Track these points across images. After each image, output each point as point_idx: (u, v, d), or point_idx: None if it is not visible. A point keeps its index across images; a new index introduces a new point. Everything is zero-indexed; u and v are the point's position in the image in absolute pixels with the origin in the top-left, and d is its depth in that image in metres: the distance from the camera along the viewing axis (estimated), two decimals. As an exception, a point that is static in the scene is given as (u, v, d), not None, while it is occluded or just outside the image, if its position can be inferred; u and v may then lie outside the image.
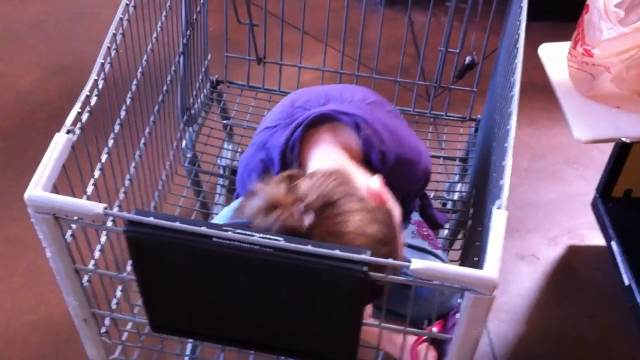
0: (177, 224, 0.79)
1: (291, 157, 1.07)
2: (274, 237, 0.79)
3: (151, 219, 0.79)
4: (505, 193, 0.87)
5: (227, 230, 0.79)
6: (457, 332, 0.86)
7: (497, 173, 1.02)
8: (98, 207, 0.79)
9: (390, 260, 0.80)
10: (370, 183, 0.94)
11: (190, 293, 0.88)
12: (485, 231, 1.07)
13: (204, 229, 0.79)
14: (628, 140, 1.31)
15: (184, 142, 1.52)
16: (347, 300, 0.83)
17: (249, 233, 0.79)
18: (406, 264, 0.78)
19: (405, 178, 1.11)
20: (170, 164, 1.41)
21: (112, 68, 0.97)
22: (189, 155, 1.52)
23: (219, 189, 1.66)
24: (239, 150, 1.70)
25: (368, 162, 1.07)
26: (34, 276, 1.72)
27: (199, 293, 0.87)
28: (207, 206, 1.57)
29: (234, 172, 1.68)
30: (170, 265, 0.85)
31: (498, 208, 0.86)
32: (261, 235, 0.79)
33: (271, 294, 0.85)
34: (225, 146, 1.72)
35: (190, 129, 1.54)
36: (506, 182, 0.88)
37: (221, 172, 1.68)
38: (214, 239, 0.79)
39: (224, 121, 1.71)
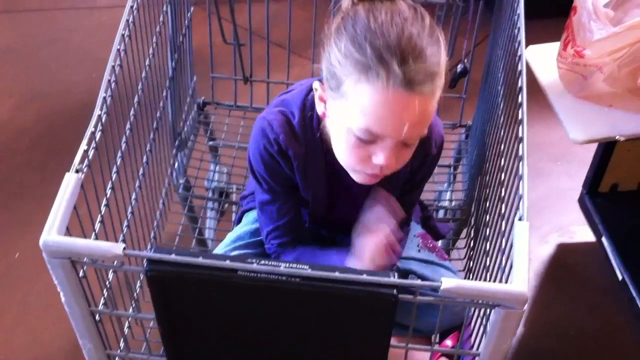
0: (200, 260, 0.77)
1: (311, 108, 1.07)
2: (300, 267, 0.77)
3: (173, 257, 0.77)
4: (525, 204, 0.86)
5: (252, 262, 0.78)
6: (486, 347, 0.86)
7: (504, 184, 1.02)
8: (117, 248, 0.77)
9: (418, 282, 0.79)
10: None
11: (215, 327, 0.86)
12: (489, 241, 1.07)
13: (228, 263, 0.77)
14: (623, 138, 1.33)
15: (175, 168, 1.50)
16: (377, 324, 0.82)
17: (275, 264, 0.78)
18: (436, 284, 0.77)
19: (426, 136, 1.07)
20: (166, 191, 1.38)
21: (112, 100, 0.95)
22: (181, 181, 1.50)
23: (209, 213, 1.64)
24: (227, 171, 1.68)
25: None
26: (26, 313, 1.68)
27: (224, 326, 0.85)
28: (203, 232, 1.54)
29: (221, 194, 1.67)
30: (193, 301, 0.83)
31: (519, 219, 0.85)
32: (287, 265, 0.78)
33: (299, 323, 0.84)
34: (213, 168, 1.70)
35: (181, 153, 1.51)
36: (525, 192, 0.87)
37: (210, 194, 1.65)
38: (239, 272, 0.78)
39: (210, 142, 1.69)
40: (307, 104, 1.08)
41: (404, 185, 1.17)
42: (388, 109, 0.92)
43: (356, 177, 1.03)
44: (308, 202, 1.15)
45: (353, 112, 0.95)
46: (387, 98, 0.91)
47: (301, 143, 1.07)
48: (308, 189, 1.12)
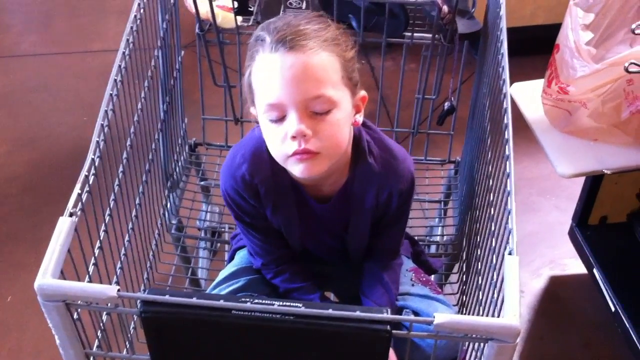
0: (194, 300, 0.78)
1: None
2: (294, 305, 0.78)
3: (167, 298, 0.78)
4: (514, 238, 0.88)
5: (245, 302, 0.78)
6: (481, 381, 0.86)
7: (494, 219, 1.03)
8: (112, 290, 0.77)
9: (411, 317, 0.80)
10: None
11: (210, 368, 0.86)
12: (481, 275, 1.08)
13: (222, 303, 0.78)
14: (609, 172, 1.34)
15: (168, 209, 1.50)
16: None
17: (269, 302, 0.79)
18: (429, 319, 0.78)
19: (392, 170, 1.13)
20: (158, 232, 1.39)
21: (105, 144, 0.96)
22: (173, 221, 1.50)
23: (201, 253, 1.65)
24: (219, 211, 1.69)
25: (357, 150, 1.12)
26: (18, 358, 1.66)
27: (219, 367, 0.86)
28: (196, 272, 1.55)
29: (214, 233, 1.67)
30: (187, 341, 0.83)
31: (509, 254, 0.86)
32: (281, 303, 0.78)
33: (293, 361, 0.84)
34: (205, 208, 1.71)
35: (174, 194, 1.52)
36: (514, 226, 0.89)
37: (202, 234, 1.66)
38: (234, 312, 0.78)
39: (202, 183, 1.70)
40: None
41: (380, 221, 1.18)
42: (272, 73, 0.99)
43: (293, 170, 1.04)
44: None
45: (258, 96, 1.02)
46: (268, 64, 0.99)
47: (267, 169, 1.10)
48: (277, 216, 1.15)
